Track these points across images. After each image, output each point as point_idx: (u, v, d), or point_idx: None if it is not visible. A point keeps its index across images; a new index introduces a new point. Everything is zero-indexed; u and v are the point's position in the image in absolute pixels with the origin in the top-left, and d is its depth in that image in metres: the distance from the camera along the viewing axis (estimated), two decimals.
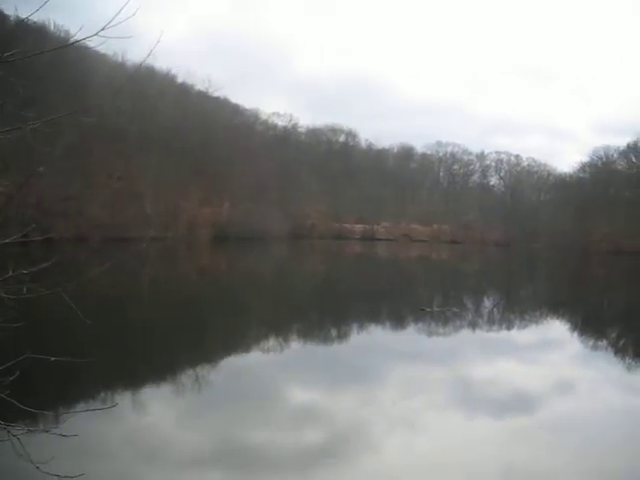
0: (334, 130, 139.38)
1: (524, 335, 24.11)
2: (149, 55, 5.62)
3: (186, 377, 14.30)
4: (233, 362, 16.49)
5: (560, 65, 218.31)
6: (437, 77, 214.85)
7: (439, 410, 12.67)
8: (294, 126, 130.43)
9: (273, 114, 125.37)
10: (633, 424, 12.48)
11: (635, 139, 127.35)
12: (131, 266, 40.12)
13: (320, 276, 46.16)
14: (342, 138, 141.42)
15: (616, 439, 11.41)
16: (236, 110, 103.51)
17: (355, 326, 24.20)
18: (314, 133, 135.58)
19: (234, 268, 49.80)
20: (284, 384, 14.45)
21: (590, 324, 28.64)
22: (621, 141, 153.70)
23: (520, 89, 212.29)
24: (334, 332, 22.72)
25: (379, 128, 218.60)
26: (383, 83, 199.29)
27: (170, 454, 9.58)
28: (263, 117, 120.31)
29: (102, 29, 4.65)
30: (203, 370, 15.06)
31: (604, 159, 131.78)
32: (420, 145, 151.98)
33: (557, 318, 30.64)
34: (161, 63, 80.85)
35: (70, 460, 8.20)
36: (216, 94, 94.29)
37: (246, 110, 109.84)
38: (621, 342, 24.63)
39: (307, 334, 21.75)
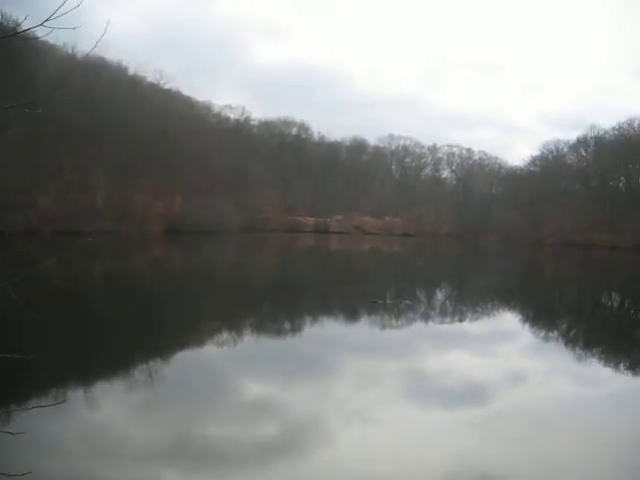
0: (287, 123, 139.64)
1: (476, 327, 24.27)
2: (95, 46, 5.54)
3: (139, 372, 14.14)
4: (186, 356, 16.35)
5: (511, 59, 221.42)
6: (390, 70, 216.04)
7: (393, 402, 12.69)
8: (246, 119, 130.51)
9: (225, 107, 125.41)
10: (582, 413, 12.64)
11: (585, 133, 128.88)
12: (82, 260, 39.75)
13: (273, 269, 46.13)
14: (295, 131, 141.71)
15: (566, 428, 11.58)
16: (188, 102, 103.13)
17: (308, 319, 24.17)
18: (266, 126, 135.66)
19: (187, 261, 49.52)
20: (238, 378, 14.37)
21: (541, 315, 28.93)
22: (571, 135, 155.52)
23: (472, 83, 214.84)
24: (288, 325, 22.67)
25: (332, 121, 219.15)
26: (336, 76, 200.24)
27: (123, 450, 9.47)
28: (216, 110, 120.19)
29: (47, 19, 4.55)
30: (156, 364, 14.91)
31: (554, 153, 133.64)
32: (373, 138, 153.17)
33: (509, 310, 30.90)
34: (112, 55, 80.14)
35: (17, 459, 8.09)
36: (168, 86, 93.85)
37: (198, 102, 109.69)
38: (571, 333, 24.91)
39: (261, 327, 21.67)
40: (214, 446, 9.81)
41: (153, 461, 9.15)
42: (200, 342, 18.55)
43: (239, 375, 14.68)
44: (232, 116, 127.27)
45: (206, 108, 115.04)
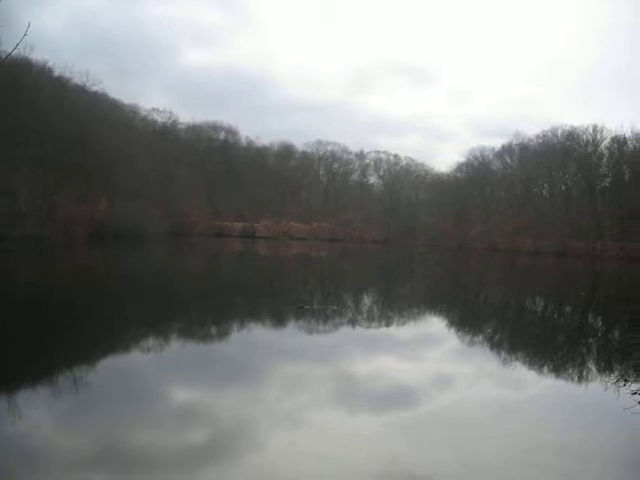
0: (214, 127, 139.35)
1: (403, 331, 24.39)
2: (17, 46, 5.38)
3: (63, 379, 13.80)
4: (112, 363, 16.02)
5: (438, 67, 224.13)
6: (320, 76, 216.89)
7: (322, 407, 12.63)
8: (173, 123, 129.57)
9: (153, 110, 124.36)
10: (508, 416, 12.75)
11: (509, 140, 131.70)
12: (1, 266, 38.90)
13: (200, 274, 45.74)
14: (222, 135, 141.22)
15: (492, 430, 11.67)
16: (114, 105, 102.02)
17: (235, 324, 23.97)
18: (194, 130, 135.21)
19: (112, 266, 48.81)
20: (166, 384, 14.13)
21: (467, 320, 29.21)
22: (496, 142, 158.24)
23: (400, 89, 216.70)
24: (215, 330, 22.45)
25: (261, 126, 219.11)
26: (266, 81, 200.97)
27: (48, 459, 9.19)
28: (142, 113, 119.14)
29: None
30: (81, 371, 14.56)
31: (480, 159, 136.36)
32: (300, 143, 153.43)
33: (435, 314, 31.14)
34: (38, 56, 78.86)
35: None
36: (94, 89, 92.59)
37: (125, 106, 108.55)
38: (496, 337, 25.16)
39: (187, 333, 21.37)
40: (142, 453, 9.60)
41: (80, 470, 8.90)
42: (125, 349, 18.21)
43: (166, 381, 14.44)
44: (159, 120, 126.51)
45: (133, 111, 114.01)
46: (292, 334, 22.16)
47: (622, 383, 13.65)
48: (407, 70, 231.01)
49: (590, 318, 32.93)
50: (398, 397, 13.70)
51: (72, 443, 9.94)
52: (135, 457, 9.44)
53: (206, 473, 9.02)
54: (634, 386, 12.89)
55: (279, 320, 25.39)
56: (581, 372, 18.36)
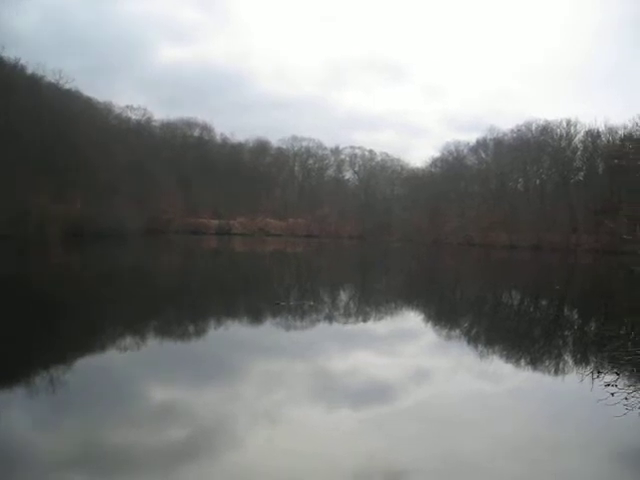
0: (189, 124, 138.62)
1: (380, 327, 24.44)
2: None
3: (40, 379, 13.70)
4: (90, 362, 15.93)
5: (412, 62, 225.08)
6: (295, 71, 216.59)
7: (301, 403, 12.65)
8: (148, 120, 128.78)
9: (127, 107, 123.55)
10: (486, 409, 12.82)
11: (484, 135, 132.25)
12: None
13: (176, 272, 45.59)
14: (197, 132, 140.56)
15: (471, 424, 11.72)
16: (88, 103, 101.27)
17: (212, 322, 23.91)
18: (169, 127, 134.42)
19: (87, 265, 48.49)
20: (143, 382, 14.09)
21: (443, 314, 29.31)
22: (471, 137, 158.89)
23: (375, 85, 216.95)
24: (191, 328, 22.36)
25: (236, 122, 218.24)
26: (241, 77, 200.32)
27: (27, 459, 9.13)
28: (116, 110, 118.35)
29: None
30: (58, 371, 14.46)
31: (455, 154, 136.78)
32: (275, 140, 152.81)
33: (412, 309, 31.25)
34: (10, 53, 78.32)
35: None
36: (67, 86, 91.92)
37: (99, 103, 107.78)
38: (473, 331, 25.27)
39: (164, 331, 21.30)
40: (120, 453, 9.54)
41: (58, 471, 8.85)
42: (102, 347, 18.11)
43: (144, 380, 14.40)
44: (133, 117, 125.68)
45: (107, 109, 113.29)
46: (269, 331, 22.15)
47: (596, 375, 13.78)
48: (382, 66, 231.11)
49: (566, 311, 33.18)
50: (376, 392, 13.74)
51: (50, 444, 9.88)
52: (114, 457, 9.39)
53: (185, 471, 9.00)
54: (608, 378, 13.02)
55: (256, 317, 25.36)
56: (557, 365, 18.51)
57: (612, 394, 11.48)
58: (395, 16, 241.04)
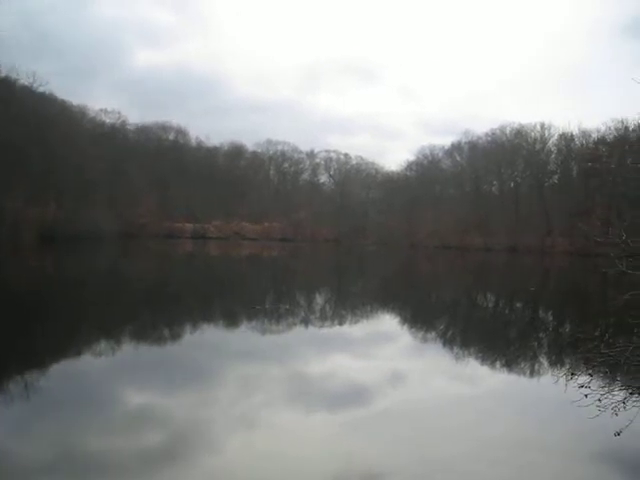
0: (164, 128, 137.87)
1: (357, 329, 24.52)
2: None
3: (14, 384, 13.64)
4: (64, 367, 15.84)
5: (387, 66, 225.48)
6: (270, 75, 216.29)
7: (278, 406, 12.66)
8: (123, 123, 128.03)
9: (101, 111, 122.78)
10: (462, 411, 12.91)
11: (459, 139, 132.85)
12: None
13: (151, 276, 45.41)
14: (172, 136, 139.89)
15: (447, 426, 11.80)
16: (63, 106, 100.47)
17: (188, 326, 23.83)
18: (143, 131, 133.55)
19: (62, 270, 48.19)
20: (119, 387, 14.02)
21: (419, 317, 29.45)
22: (446, 140, 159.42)
23: (350, 88, 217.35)
24: (168, 332, 22.31)
25: (212, 126, 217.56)
26: (216, 80, 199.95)
27: (2, 466, 9.09)
28: (91, 114, 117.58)
29: None
30: (32, 377, 14.39)
31: (430, 158, 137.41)
32: (251, 143, 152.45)
33: (387, 312, 31.34)
34: None
35: None
36: (41, 89, 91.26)
37: (73, 106, 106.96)
38: (449, 333, 25.40)
39: (139, 335, 21.21)
40: (96, 458, 9.50)
41: (32, 476, 8.83)
42: (78, 352, 18.02)
43: (120, 385, 14.34)
44: (108, 120, 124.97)
45: (81, 112, 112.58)
46: (245, 335, 22.12)
47: (570, 377, 13.89)
48: (356, 69, 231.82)
49: (540, 313, 33.41)
50: (353, 395, 13.78)
51: (24, 450, 9.81)
52: (89, 462, 9.35)
53: (163, 477, 9.01)
54: (581, 379, 13.12)
55: (232, 321, 25.35)
56: (532, 366, 18.66)
57: (586, 395, 11.56)
58: (370, 19, 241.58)
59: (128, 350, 18.65)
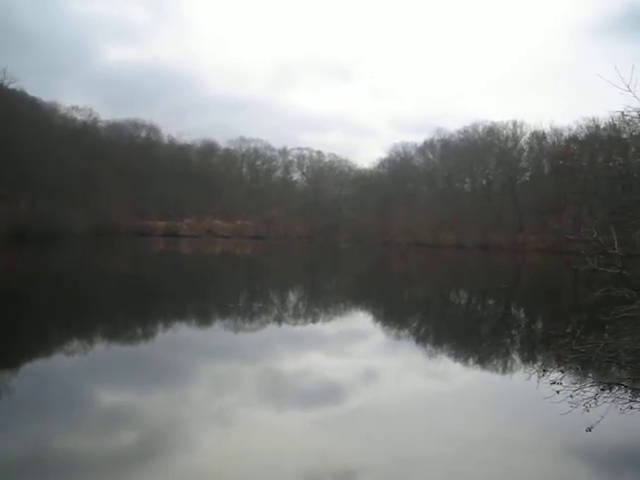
0: (136, 125, 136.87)
1: (330, 327, 24.54)
2: None
3: None
4: (35, 367, 15.70)
5: (360, 63, 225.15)
6: (243, 72, 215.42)
7: (252, 405, 12.65)
8: (94, 120, 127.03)
9: (72, 108, 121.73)
10: (435, 408, 12.99)
11: (431, 136, 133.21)
12: None
13: (123, 274, 45.12)
14: (144, 133, 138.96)
15: (420, 423, 11.89)
16: (33, 103, 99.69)
17: (160, 325, 23.72)
18: (115, 128, 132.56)
19: (32, 268, 47.78)
20: (92, 387, 13.91)
21: (392, 314, 29.51)
22: (419, 138, 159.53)
23: (322, 86, 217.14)
24: (140, 331, 22.22)
25: (185, 123, 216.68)
26: (190, 77, 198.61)
27: None
28: (62, 111, 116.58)
29: None
30: (3, 376, 14.28)
31: (402, 155, 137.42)
32: (224, 141, 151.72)
33: (361, 310, 31.39)
34: None
35: None
36: (12, 86, 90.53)
37: (44, 104, 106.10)
38: (422, 331, 25.50)
39: (112, 334, 21.08)
40: (70, 457, 9.44)
41: (3, 478, 8.76)
42: (49, 351, 17.88)
43: (92, 384, 14.22)
44: (79, 117, 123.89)
45: (52, 109, 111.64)
46: (218, 333, 22.10)
47: (542, 373, 13.98)
48: (329, 67, 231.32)
49: (513, 310, 33.59)
50: (326, 393, 13.81)
51: None
52: (61, 462, 9.28)
53: (136, 476, 8.97)
54: (553, 376, 13.22)
55: (205, 319, 25.28)
56: (505, 363, 18.78)
57: (557, 392, 11.65)
58: (344, 18, 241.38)
59: (99, 349, 18.52)
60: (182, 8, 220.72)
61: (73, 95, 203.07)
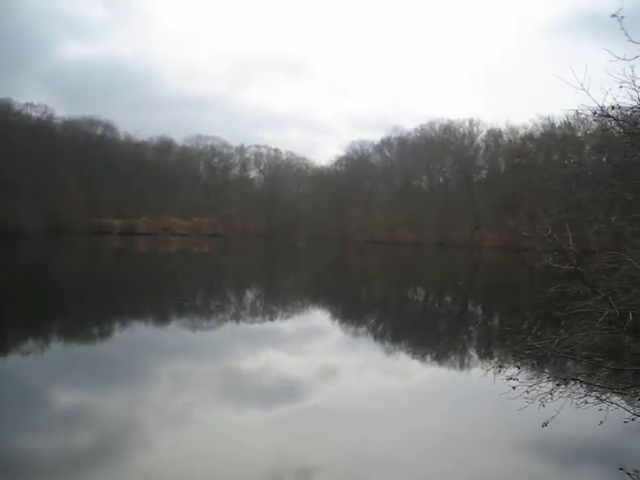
0: (91, 122, 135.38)
1: (288, 325, 24.50)
2: None
3: None
4: None
5: (317, 61, 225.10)
6: (201, 69, 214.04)
7: (210, 404, 12.59)
8: (49, 118, 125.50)
9: (27, 105, 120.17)
10: (394, 404, 13.01)
11: (388, 134, 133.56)
12: None
13: (78, 273, 44.65)
14: (100, 130, 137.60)
15: (379, 419, 11.89)
16: None
17: (117, 323, 23.49)
18: (71, 125, 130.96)
19: None
20: (48, 387, 13.74)
21: (350, 312, 29.54)
22: (376, 136, 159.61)
23: (280, 84, 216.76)
24: (96, 330, 21.99)
25: (141, 121, 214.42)
26: (146, 75, 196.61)
27: None
28: (16, 108, 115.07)
29: None
30: None
31: (360, 153, 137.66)
32: (181, 138, 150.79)
33: (319, 307, 31.38)
34: None
35: None
36: None
37: None
38: (379, 328, 25.55)
39: (67, 333, 20.86)
40: (25, 458, 9.33)
41: None
42: (2, 351, 17.66)
43: (49, 384, 14.06)
44: (34, 114, 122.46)
45: (6, 106, 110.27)
46: (175, 332, 21.94)
47: (499, 369, 14.06)
48: (288, 65, 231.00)
49: (470, 306, 33.81)
50: (285, 391, 13.79)
51: None
52: (17, 463, 9.16)
53: (92, 476, 8.86)
54: (510, 371, 13.28)
55: (161, 318, 25.08)
56: (462, 359, 18.90)
57: (514, 387, 11.67)
58: (301, 15, 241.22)
59: (56, 349, 18.30)
60: (137, 4, 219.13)
61: (28, 92, 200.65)
